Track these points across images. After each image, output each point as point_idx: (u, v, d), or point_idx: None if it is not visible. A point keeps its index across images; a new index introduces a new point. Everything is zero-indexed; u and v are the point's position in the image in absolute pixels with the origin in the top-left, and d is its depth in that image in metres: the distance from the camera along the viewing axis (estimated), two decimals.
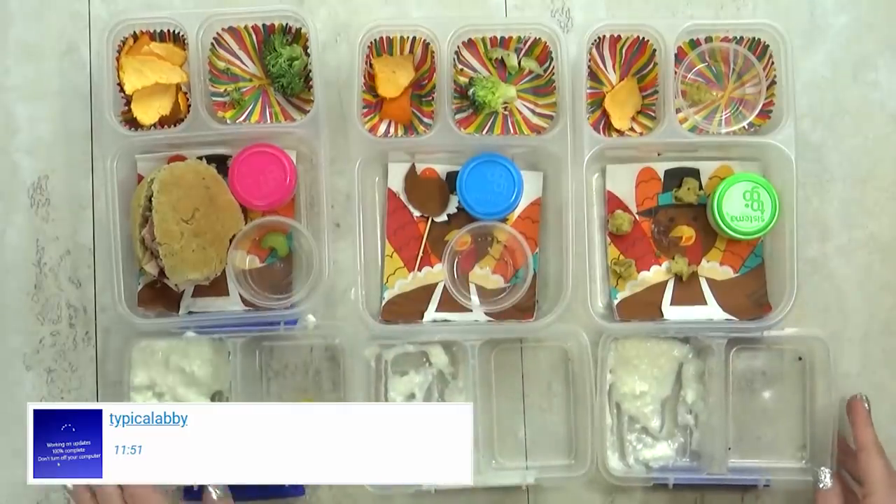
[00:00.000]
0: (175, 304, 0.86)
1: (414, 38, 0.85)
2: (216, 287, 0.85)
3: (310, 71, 0.84)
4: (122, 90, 0.84)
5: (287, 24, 0.85)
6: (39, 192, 0.89)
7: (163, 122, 0.85)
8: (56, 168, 0.89)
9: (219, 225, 0.82)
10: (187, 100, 0.85)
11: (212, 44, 0.86)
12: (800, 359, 0.87)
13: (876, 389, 0.87)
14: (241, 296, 0.85)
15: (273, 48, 0.85)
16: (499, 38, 0.86)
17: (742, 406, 0.87)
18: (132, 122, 0.85)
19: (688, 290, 0.87)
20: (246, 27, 0.86)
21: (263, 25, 0.85)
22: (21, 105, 0.89)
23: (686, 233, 0.87)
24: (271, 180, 0.83)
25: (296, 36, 0.86)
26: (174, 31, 0.85)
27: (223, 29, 0.85)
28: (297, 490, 0.87)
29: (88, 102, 0.89)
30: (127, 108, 0.85)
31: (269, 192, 0.83)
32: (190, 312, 0.85)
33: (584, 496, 0.87)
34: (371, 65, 0.86)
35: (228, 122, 0.86)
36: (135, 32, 0.85)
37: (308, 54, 0.84)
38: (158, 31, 0.85)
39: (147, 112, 0.84)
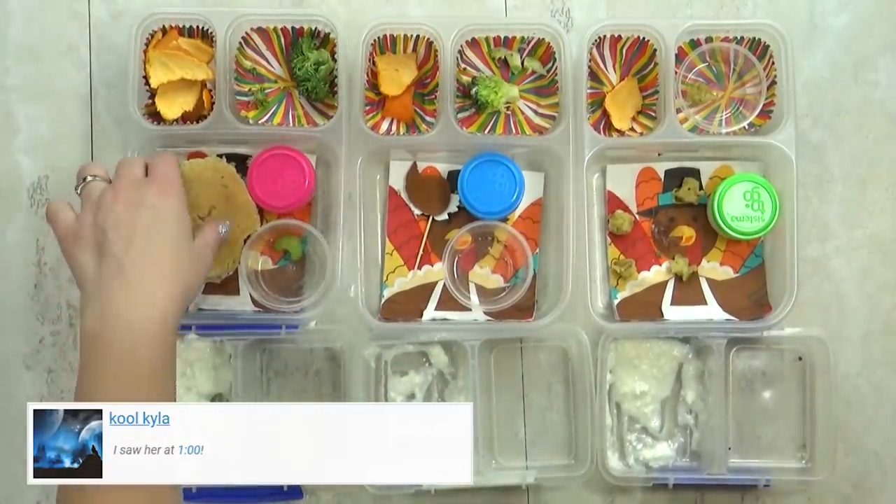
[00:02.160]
0: None
1: (417, 36, 0.85)
2: (227, 286, 0.86)
3: (335, 76, 0.84)
4: (147, 83, 0.84)
5: (316, 28, 0.85)
6: (39, 192, 0.89)
7: (185, 118, 0.85)
8: (56, 168, 0.88)
9: (234, 225, 0.82)
10: (211, 97, 0.85)
11: (240, 43, 0.86)
12: (800, 359, 0.88)
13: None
14: (251, 296, 0.85)
15: (301, 51, 0.85)
16: (502, 37, 0.86)
17: (742, 406, 0.87)
18: (155, 116, 0.85)
19: (688, 290, 0.87)
20: (275, 28, 0.86)
21: (292, 28, 0.85)
22: (21, 105, 0.89)
23: (686, 233, 0.87)
24: (289, 183, 0.82)
25: (324, 40, 0.86)
26: (203, 28, 0.85)
27: (252, 29, 0.86)
28: (296, 493, 0.87)
29: (88, 102, 0.89)
30: (151, 101, 0.85)
31: (286, 195, 0.82)
32: (200, 309, 0.85)
33: (584, 496, 0.87)
34: (374, 62, 0.86)
35: (251, 122, 0.86)
36: (164, 26, 0.85)
37: (335, 59, 0.84)
38: (187, 26, 0.85)
39: (171, 107, 0.85)
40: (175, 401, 0.71)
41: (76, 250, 0.71)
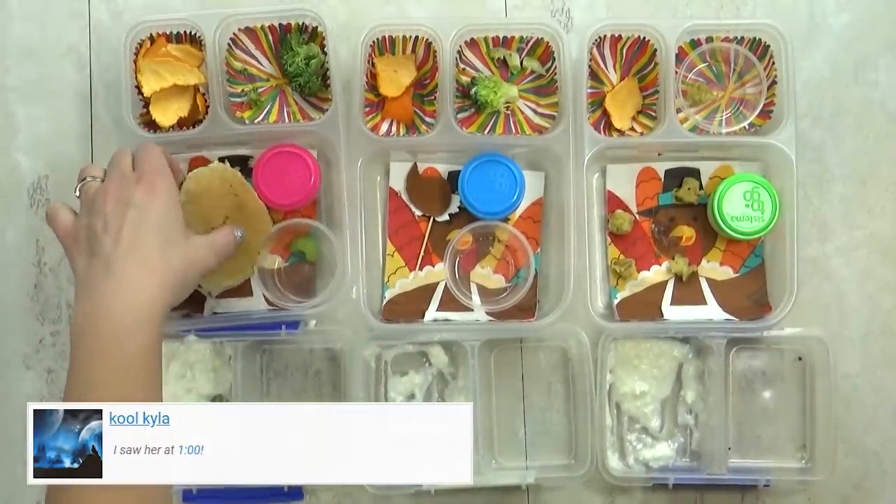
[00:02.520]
0: (201, 305, 0.86)
1: (416, 37, 0.85)
2: (240, 288, 0.86)
3: (327, 69, 0.84)
4: (140, 93, 0.84)
5: (303, 23, 0.85)
6: (39, 192, 0.89)
7: (181, 124, 0.85)
8: (56, 168, 0.89)
9: (250, 231, 0.82)
10: (205, 101, 0.85)
11: (228, 44, 0.86)
12: (800, 359, 0.88)
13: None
14: (265, 297, 0.85)
15: (290, 47, 0.85)
16: (501, 37, 0.86)
17: (742, 406, 0.87)
18: (151, 125, 0.85)
19: (688, 290, 0.87)
20: (262, 27, 0.86)
21: (280, 25, 0.86)
22: (21, 105, 0.89)
23: (686, 233, 0.87)
24: (296, 180, 0.82)
25: (312, 34, 0.86)
26: (191, 33, 0.85)
27: (239, 29, 0.86)
28: (296, 494, 0.87)
29: (88, 102, 0.89)
30: (145, 110, 0.85)
31: (293, 192, 0.82)
32: (214, 313, 0.85)
33: (584, 496, 0.87)
34: (373, 64, 0.86)
35: (247, 122, 0.86)
36: (151, 35, 0.85)
37: (325, 53, 0.84)
38: (175, 32, 0.85)
39: (165, 114, 0.85)
40: (162, 388, 0.72)
41: (74, 252, 0.72)
